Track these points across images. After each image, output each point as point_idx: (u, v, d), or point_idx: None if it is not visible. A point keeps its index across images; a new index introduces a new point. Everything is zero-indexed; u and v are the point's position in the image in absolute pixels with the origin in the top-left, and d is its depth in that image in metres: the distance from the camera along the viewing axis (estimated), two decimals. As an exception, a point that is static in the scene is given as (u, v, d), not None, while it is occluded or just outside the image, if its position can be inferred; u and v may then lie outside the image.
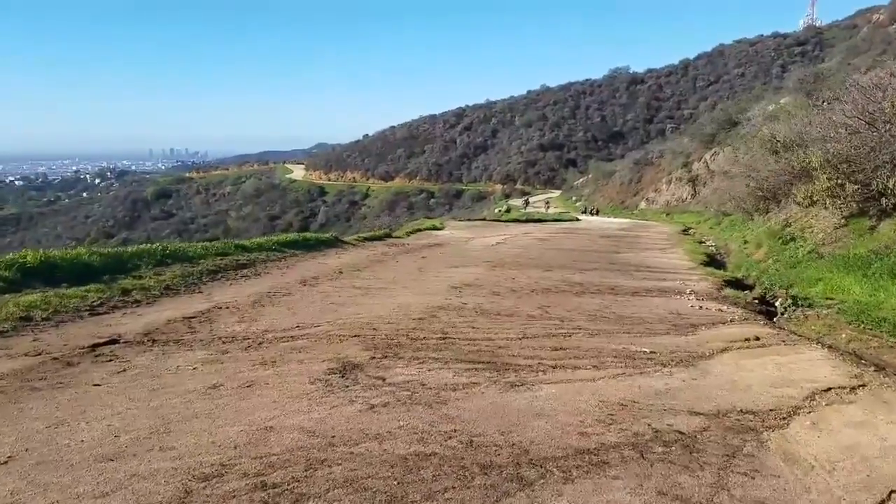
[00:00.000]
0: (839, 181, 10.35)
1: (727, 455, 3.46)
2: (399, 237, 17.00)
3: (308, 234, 11.48)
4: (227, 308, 6.26)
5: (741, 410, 4.21)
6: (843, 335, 6.72)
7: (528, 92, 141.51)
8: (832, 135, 10.30)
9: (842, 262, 10.15)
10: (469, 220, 30.36)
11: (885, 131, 8.93)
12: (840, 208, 11.12)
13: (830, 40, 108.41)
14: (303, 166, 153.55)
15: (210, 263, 8.30)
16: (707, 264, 14.93)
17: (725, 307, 8.45)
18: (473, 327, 6.04)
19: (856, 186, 10.18)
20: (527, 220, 31.63)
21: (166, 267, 7.83)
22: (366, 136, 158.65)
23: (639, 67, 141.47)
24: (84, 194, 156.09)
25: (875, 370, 5.39)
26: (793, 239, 13.57)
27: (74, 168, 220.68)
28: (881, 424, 4.05)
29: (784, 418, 4.14)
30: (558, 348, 5.50)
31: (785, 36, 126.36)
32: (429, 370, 4.56)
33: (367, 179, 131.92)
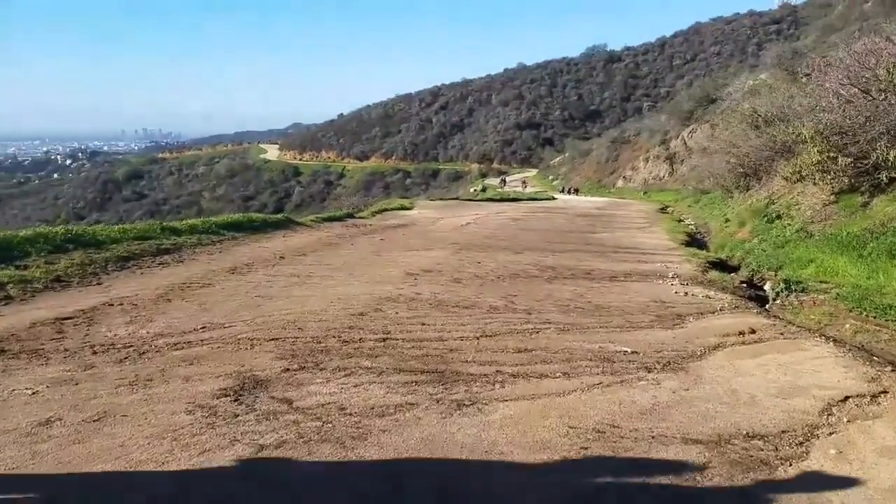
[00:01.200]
0: (831, 154, 9.53)
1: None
2: (363, 217, 15.95)
3: (254, 216, 10.40)
4: (122, 305, 5.20)
5: (747, 434, 3.32)
6: (847, 326, 5.89)
7: (505, 70, 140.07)
8: (824, 104, 9.45)
9: (834, 242, 9.37)
10: (442, 199, 29.35)
11: (882, 100, 8.09)
12: (830, 183, 10.34)
13: (805, 18, 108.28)
14: (277, 146, 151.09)
15: (122, 249, 7.18)
16: (688, 244, 14.16)
17: (713, 293, 7.60)
18: (424, 324, 5.09)
19: (849, 160, 9.37)
20: (501, 200, 30.72)
21: (64, 254, 6.71)
22: (340, 115, 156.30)
23: (616, 45, 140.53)
24: (55, 175, 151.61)
25: (893, 370, 4.56)
26: (778, 217, 12.81)
27: (45, 149, 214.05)
28: (922, 450, 3.19)
29: (801, 443, 3.26)
30: (522, 349, 4.57)
31: (761, 14, 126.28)
32: (355, 386, 3.60)
33: (343, 159, 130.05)
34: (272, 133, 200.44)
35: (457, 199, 30.05)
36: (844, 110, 8.73)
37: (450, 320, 5.28)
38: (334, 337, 4.47)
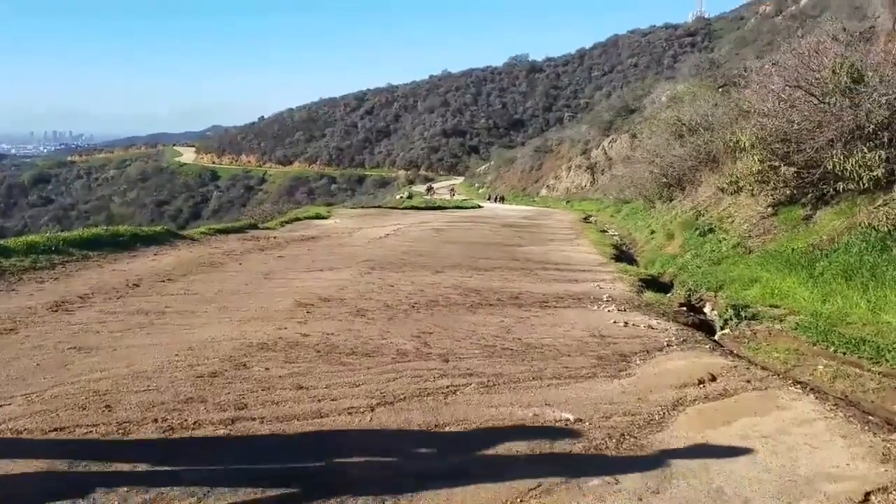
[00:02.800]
0: (773, 163, 8.86)
1: None
2: (269, 228, 14.32)
3: (122, 229, 8.64)
4: None
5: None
6: (820, 368, 5.00)
7: (431, 77, 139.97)
8: (767, 108, 8.76)
9: (779, 259, 8.69)
10: (363, 207, 27.88)
11: (833, 104, 7.41)
12: (770, 195, 9.71)
13: (719, 31, 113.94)
14: (194, 149, 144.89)
15: None
16: (617, 258, 13.40)
17: (654, 321, 6.63)
18: (301, 387, 3.75)
19: (793, 169, 8.71)
20: (426, 208, 29.56)
21: None
22: (262, 118, 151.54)
23: (538, 56, 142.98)
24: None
25: None
26: (711, 230, 12.21)
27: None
28: None
29: None
30: (431, 429, 3.32)
31: (676, 27, 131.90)
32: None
33: (264, 164, 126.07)
34: (188, 135, 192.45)
35: (379, 206, 28.65)
36: (790, 115, 8.02)
37: (339, 378, 3.96)
38: (154, 422, 3.06)
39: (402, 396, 3.76)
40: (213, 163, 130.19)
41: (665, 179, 22.02)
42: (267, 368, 4.04)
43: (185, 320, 5.01)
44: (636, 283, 9.65)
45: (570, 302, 7.39)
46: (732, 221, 12.28)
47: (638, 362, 4.96)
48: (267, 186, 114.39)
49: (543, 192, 57.45)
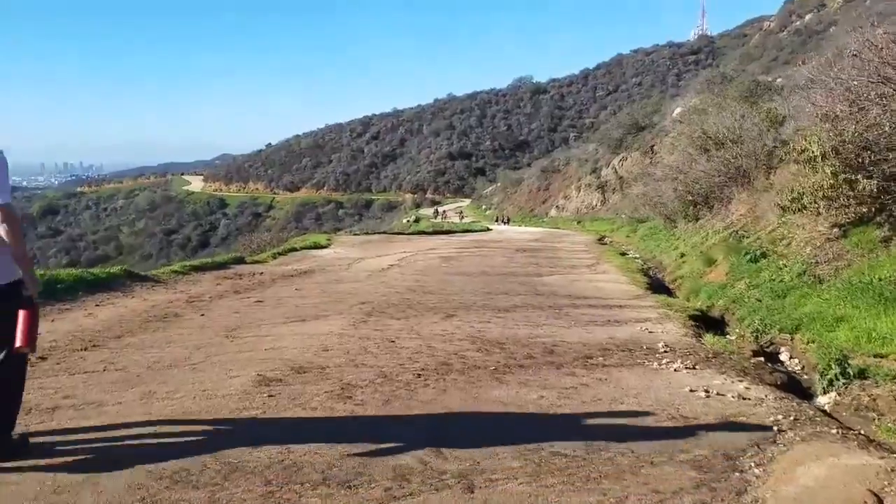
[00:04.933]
0: (849, 175, 7.27)
1: None
2: (258, 261, 12.77)
3: (62, 273, 6.99)
4: None
5: None
6: None
7: (435, 100, 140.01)
8: (838, 111, 7.19)
9: (867, 293, 7.04)
10: (366, 233, 26.36)
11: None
12: (839, 213, 8.09)
13: (723, 49, 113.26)
14: (202, 177, 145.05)
15: None
16: (651, 288, 11.76)
17: (740, 385, 5.01)
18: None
19: (873, 182, 7.11)
20: (434, 233, 28.05)
21: None
22: (269, 145, 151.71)
23: (542, 77, 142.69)
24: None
25: None
26: (763, 255, 10.56)
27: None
28: None
29: None
30: None
31: (679, 45, 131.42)
32: None
33: (271, 190, 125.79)
34: (198, 164, 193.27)
35: (384, 233, 27.14)
36: (878, 117, 6.44)
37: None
38: None
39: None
40: (221, 190, 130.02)
41: (690, 197, 20.45)
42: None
43: (84, 419, 3.43)
44: (688, 322, 8.02)
45: (620, 356, 5.77)
46: (788, 244, 10.62)
47: (756, 471, 3.32)
48: (275, 213, 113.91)
49: (553, 212, 56.05)
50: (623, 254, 20.75)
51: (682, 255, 16.45)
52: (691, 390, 4.77)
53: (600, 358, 5.65)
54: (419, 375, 4.66)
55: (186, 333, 5.64)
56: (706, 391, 4.76)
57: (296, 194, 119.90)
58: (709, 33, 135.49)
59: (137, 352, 4.92)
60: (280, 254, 14.47)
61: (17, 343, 2.99)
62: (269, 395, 3.95)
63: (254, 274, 10.35)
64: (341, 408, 3.82)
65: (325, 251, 16.36)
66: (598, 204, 51.30)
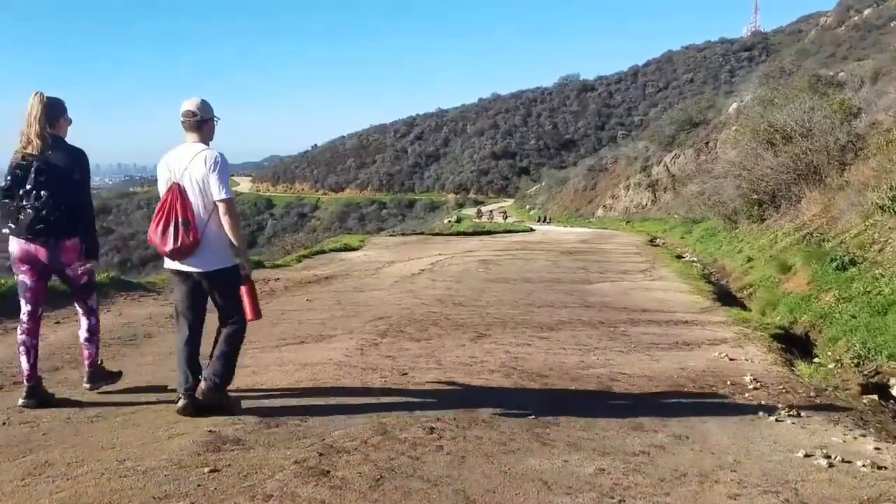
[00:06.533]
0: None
1: None
2: (280, 265, 11.80)
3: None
4: None
5: None
6: None
7: (480, 100, 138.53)
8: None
9: None
10: (403, 234, 25.31)
11: None
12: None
13: (776, 45, 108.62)
14: (250, 178, 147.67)
15: None
16: (720, 299, 10.25)
17: (868, 445, 3.64)
18: None
19: None
20: (473, 233, 26.79)
21: None
22: (314, 146, 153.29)
23: (589, 75, 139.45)
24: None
25: None
26: (852, 262, 8.96)
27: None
28: None
29: None
30: None
31: (732, 42, 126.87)
32: None
33: (317, 191, 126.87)
34: (248, 165, 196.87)
35: (421, 234, 26.03)
36: None
37: None
38: None
39: None
40: (269, 191, 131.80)
41: (755, 195, 18.65)
42: None
43: None
44: (773, 344, 6.59)
45: (697, 397, 4.44)
46: (881, 250, 9.00)
47: None
48: (320, 213, 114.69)
49: (599, 212, 54.05)
50: (679, 257, 19.08)
51: (749, 260, 14.77)
52: (806, 455, 3.43)
53: (673, 402, 4.34)
54: (431, 431, 3.45)
55: (145, 363, 4.58)
56: (827, 457, 3.41)
57: (340, 195, 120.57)
58: (762, 30, 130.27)
59: (67, 390, 3.87)
60: (305, 256, 13.48)
61: (249, 316, 3.68)
62: (213, 470, 2.79)
63: (268, 280, 9.33)
64: (308, 495, 2.64)
65: (355, 254, 15.33)
66: (649, 203, 49.14)
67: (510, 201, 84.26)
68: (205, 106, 3.69)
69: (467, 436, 3.43)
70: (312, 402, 3.86)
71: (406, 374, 4.60)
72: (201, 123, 3.67)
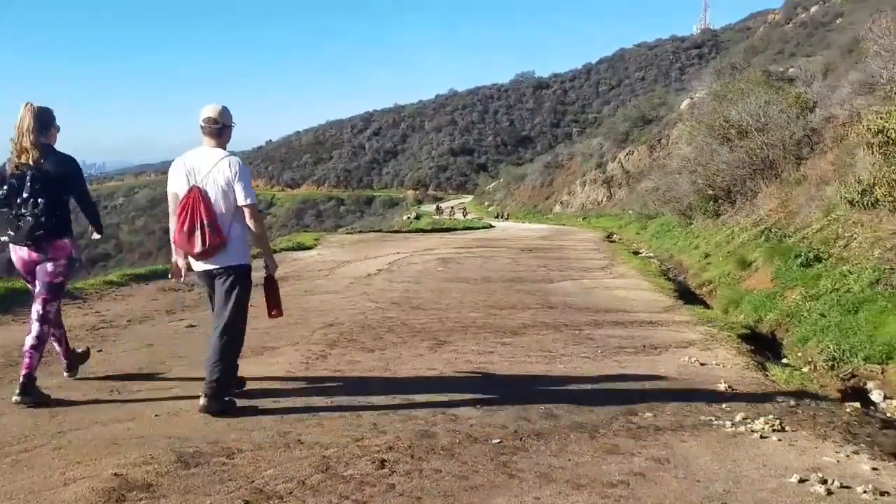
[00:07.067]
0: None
1: None
2: (226, 268, 11.10)
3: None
4: None
5: None
6: None
7: (437, 96, 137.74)
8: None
9: None
10: (360, 231, 24.69)
11: None
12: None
13: (726, 42, 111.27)
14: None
15: None
16: (681, 296, 10.06)
17: (859, 461, 3.35)
18: None
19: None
20: (433, 230, 26.35)
21: None
22: (269, 141, 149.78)
23: (544, 72, 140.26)
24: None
25: None
26: (817, 258, 8.85)
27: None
28: None
29: None
30: None
31: (682, 39, 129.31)
32: None
33: (272, 187, 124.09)
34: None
35: (379, 231, 25.44)
36: None
37: None
38: None
39: None
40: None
41: (710, 191, 18.73)
42: None
43: None
44: (742, 346, 6.33)
45: (674, 409, 4.09)
46: (846, 246, 8.92)
47: None
48: (275, 210, 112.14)
49: (557, 208, 54.24)
50: (636, 253, 19.07)
51: (707, 256, 14.74)
52: (801, 480, 3.09)
53: (648, 414, 3.98)
54: (382, 464, 2.97)
55: (54, 385, 3.97)
56: (823, 482, 3.08)
57: (297, 191, 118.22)
58: (712, 27, 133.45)
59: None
60: (254, 257, 12.77)
61: (272, 312, 3.97)
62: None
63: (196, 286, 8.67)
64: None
65: (308, 253, 14.70)
66: (604, 200, 49.51)
67: (469, 198, 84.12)
68: (225, 113, 3.84)
69: (423, 469, 2.97)
70: (241, 432, 3.33)
71: (355, 393, 4.11)
72: (222, 130, 3.83)
